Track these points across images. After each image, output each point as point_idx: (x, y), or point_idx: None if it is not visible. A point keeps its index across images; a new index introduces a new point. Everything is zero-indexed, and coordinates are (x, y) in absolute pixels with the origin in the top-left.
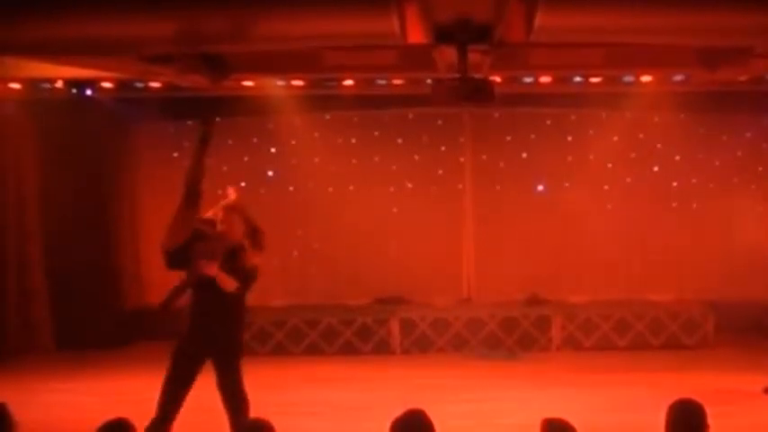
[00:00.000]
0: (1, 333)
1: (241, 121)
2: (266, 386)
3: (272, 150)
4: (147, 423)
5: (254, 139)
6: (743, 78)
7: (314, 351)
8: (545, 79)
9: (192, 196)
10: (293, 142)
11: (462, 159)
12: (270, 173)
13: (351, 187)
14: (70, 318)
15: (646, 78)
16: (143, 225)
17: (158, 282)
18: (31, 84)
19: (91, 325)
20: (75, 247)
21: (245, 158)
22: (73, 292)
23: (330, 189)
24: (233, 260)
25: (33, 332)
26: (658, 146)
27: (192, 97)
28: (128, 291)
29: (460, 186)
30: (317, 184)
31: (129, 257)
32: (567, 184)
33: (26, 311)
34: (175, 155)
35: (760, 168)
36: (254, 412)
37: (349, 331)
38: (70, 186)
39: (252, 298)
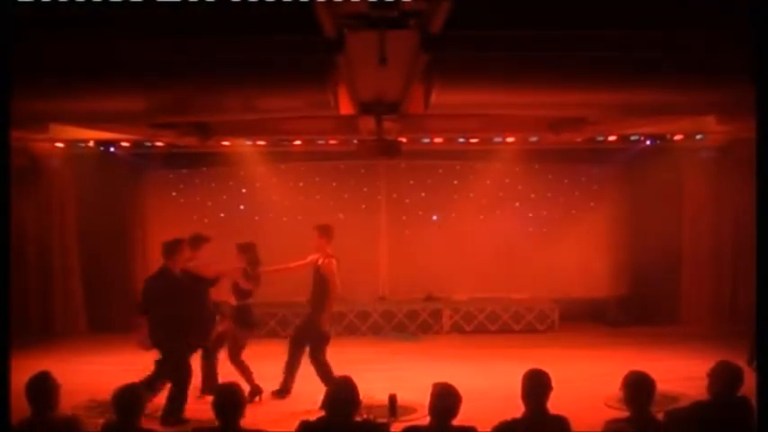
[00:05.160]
0: (49, 321)
1: (221, 170)
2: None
3: (243, 191)
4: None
5: (231, 183)
6: (579, 139)
7: (272, 335)
8: (438, 140)
9: None
10: (258, 185)
11: (379, 197)
12: (241, 206)
13: (299, 217)
14: (96, 310)
15: (510, 139)
16: (149, 243)
17: None
18: (71, 143)
19: (110, 315)
20: (102, 260)
21: (224, 197)
22: (99, 292)
23: (284, 218)
24: None
25: (72, 320)
26: (519, 187)
27: (186, 153)
28: (137, 291)
29: (378, 216)
30: (276, 215)
31: (138, 267)
32: (453, 215)
33: (67, 306)
34: (173, 194)
35: (591, 203)
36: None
37: (298, 320)
38: (98, 216)
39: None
